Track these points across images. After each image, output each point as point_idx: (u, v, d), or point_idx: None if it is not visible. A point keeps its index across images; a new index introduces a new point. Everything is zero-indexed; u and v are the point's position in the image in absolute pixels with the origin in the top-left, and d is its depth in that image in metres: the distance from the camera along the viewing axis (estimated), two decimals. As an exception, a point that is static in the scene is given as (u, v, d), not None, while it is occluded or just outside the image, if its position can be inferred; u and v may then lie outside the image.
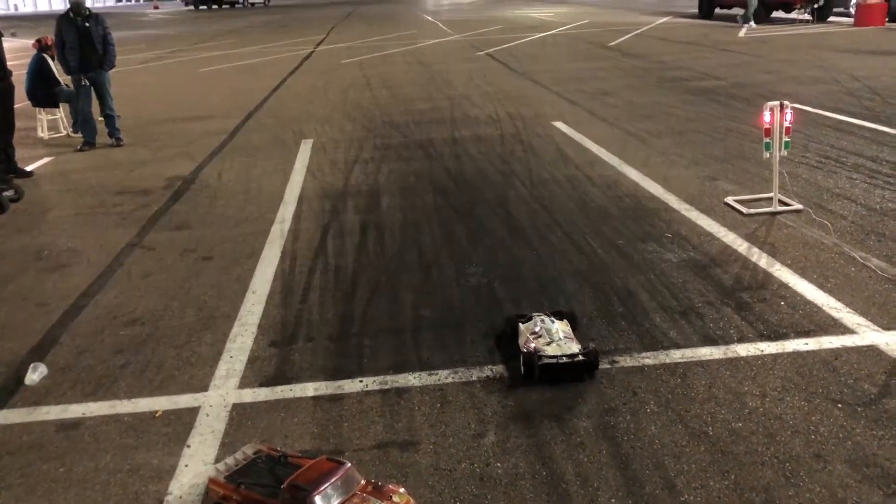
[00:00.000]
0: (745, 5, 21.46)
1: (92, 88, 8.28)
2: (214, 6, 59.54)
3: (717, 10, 23.36)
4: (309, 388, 3.09)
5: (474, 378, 3.11)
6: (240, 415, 2.92)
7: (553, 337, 3.14)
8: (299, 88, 12.40)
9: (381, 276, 4.28)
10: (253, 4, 63.42)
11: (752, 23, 19.27)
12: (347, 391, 3.06)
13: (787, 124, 4.92)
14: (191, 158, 7.53)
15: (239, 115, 9.90)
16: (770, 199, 5.07)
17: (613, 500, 2.33)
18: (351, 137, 8.15)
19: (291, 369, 3.26)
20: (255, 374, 3.23)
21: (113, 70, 8.49)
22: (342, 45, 20.04)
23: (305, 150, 7.65)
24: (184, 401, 3.04)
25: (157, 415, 2.94)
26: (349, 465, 2.25)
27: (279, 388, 3.10)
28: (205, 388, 3.12)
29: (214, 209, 5.78)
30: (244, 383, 3.15)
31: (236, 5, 62.55)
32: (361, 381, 3.13)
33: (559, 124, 8.23)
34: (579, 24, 23.73)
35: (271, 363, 3.32)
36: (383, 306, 3.88)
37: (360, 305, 3.90)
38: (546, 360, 3.01)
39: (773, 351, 3.20)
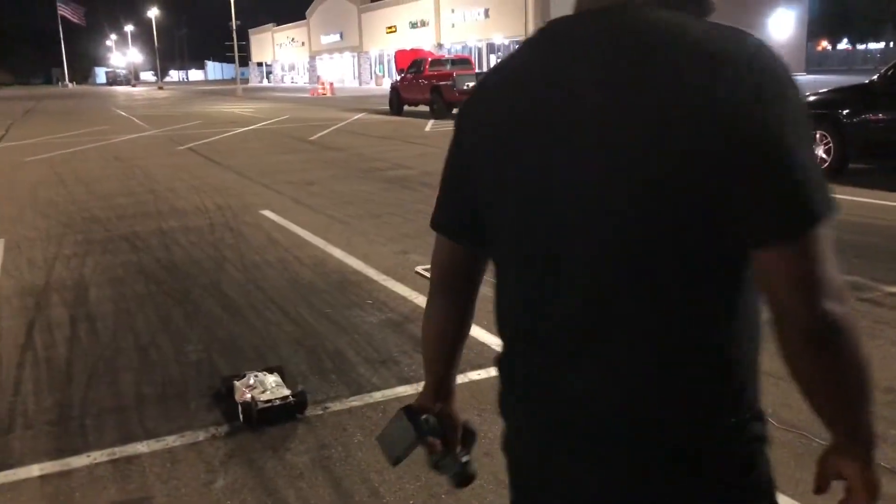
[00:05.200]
0: (429, 104, 23.98)
1: None
2: None
3: (406, 108, 25.77)
4: (34, 469, 3.16)
5: (201, 438, 3.41)
6: (-40, 504, 2.92)
7: (266, 386, 3.58)
8: (-20, 188, 11.53)
9: (98, 363, 4.37)
10: None
11: None
12: (76, 466, 3.18)
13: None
14: None
15: None
16: (451, 265, 5.97)
17: (330, 511, 2.80)
18: (48, 234, 7.88)
19: (12, 456, 3.28)
20: (-28, 465, 3.21)
21: None
22: (25, 143, 18.80)
23: (-4, 250, 7.28)
24: None
25: None
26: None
27: (1, 474, 3.13)
28: (-85, 486, 3.05)
29: None
30: (-40, 475, 3.13)
31: None
32: (89, 456, 3.27)
33: (267, 212, 8.72)
34: (280, 120, 24.68)
35: (-12, 453, 3.32)
36: (103, 389, 4.00)
37: (79, 391, 3.98)
38: (262, 405, 3.43)
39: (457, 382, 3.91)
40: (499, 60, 1.19)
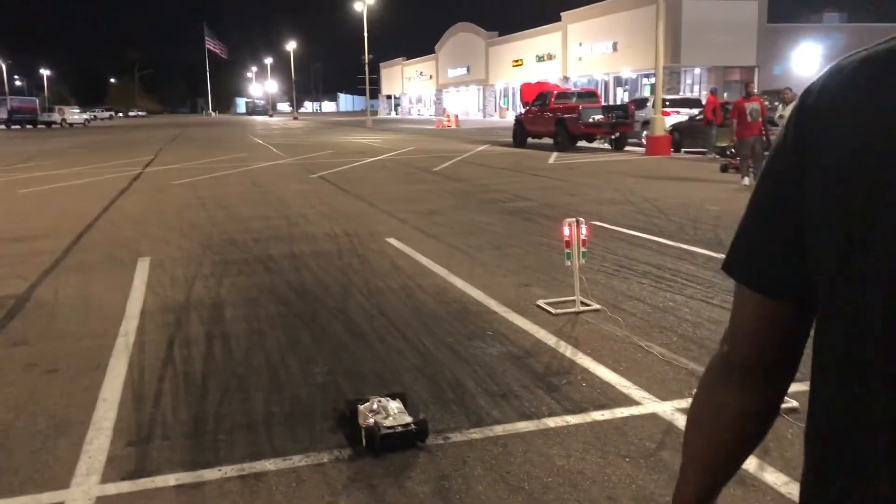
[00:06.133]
0: (553, 136, 23.92)
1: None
2: (29, 126, 57.54)
3: (529, 140, 25.81)
4: (170, 479, 3.32)
5: (325, 459, 3.48)
6: (104, 506, 3.10)
7: (389, 412, 3.62)
8: (131, 209, 12.41)
9: (231, 380, 4.56)
10: (72, 125, 61.76)
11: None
12: (207, 479, 3.32)
13: (583, 237, 5.82)
14: (22, 278, 7.43)
15: (69, 236, 9.80)
16: (574, 301, 5.88)
17: (449, 544, 2.77)
18: (189, 254, 8.36)
19: (151, 464, 3.47)
20: (116, 470, 3.41)
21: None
22: (172, 167, 20.12)
23: (143, 267, 7.77)
24: (46, 498, 3.17)
25: (17, 514, 3.05)
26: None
27: (141, 481, 3.30)
28: (66, 486, 3.27)
29: (54, 325, 5.81)
30: (106, 479, 3.32)
31: (53, 125, 60.68)
32: (220, 470, 3.40)
33: (392, 240, 8.91)
34: (405, 151, 25.27)
35: (131, 460, 3.51)
36: (235, 406, 4.17)
37: (213, 406, 4.16)
38: (385, 431, 3.48)
39: (576, 422, 3.83)
40: (854, 56, 0.83)
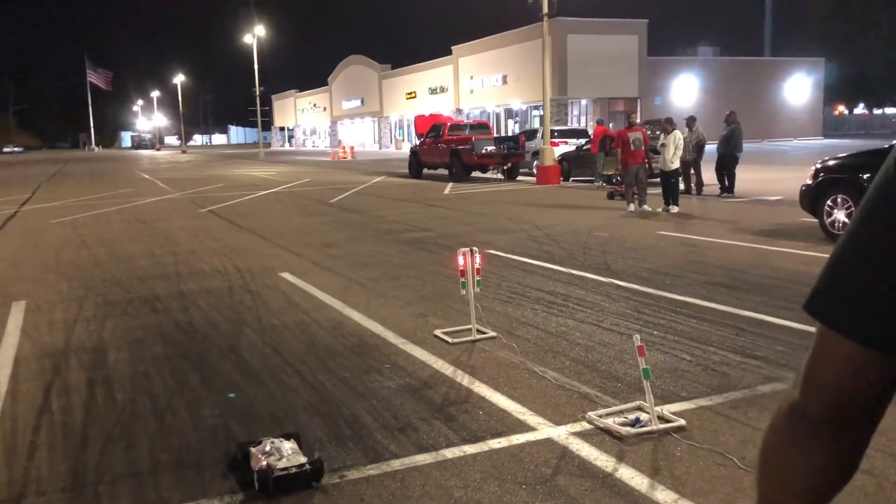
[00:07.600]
0: (448, 167, 24.23)
1: None
2: None
3: (425, 171, 26.04)
4: (45, 539, 3.09)
5: (215, 507, 3.33)
6: (-32, 574, 2.86)
7: (283, 453, 3.51)
8: (5, 249, 11.69)
9: (114, 428, 4.32)
10: (-60, 161, 58.04)
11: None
12: (87, 536, 3.11)
13: (477, 266, 5.88)
14: None
15: (-66, 280, 9.12)
16: (470, 329, 5.92)
17: (346, 587, 2.69)
18: (69, 296, 7.93)
19: (23, 524, 3.23)
20: (-17, 533, 3.16)
21: None
22: (51, 205, 19.14)
23: (18, 311, 7.31)
24: None
25: None
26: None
27: (11, 543, 3.07)
28: (-76, 555, 2.99)
29: (-86, 378, 5.36)
30: (-29, 543, 3.07)
31: (-82, 162, 56.84)
32: (101, 525, 3.20)
33: (286, 275, 8.73)
34: (300, 183, 25.00)
35: (0, 521, 3.26)
36: (118, 455, 3.94)
37: (94, 456, 3.93)
38: (278, 473, 3.37)
39: (474, 451, 3.83)
40: None
